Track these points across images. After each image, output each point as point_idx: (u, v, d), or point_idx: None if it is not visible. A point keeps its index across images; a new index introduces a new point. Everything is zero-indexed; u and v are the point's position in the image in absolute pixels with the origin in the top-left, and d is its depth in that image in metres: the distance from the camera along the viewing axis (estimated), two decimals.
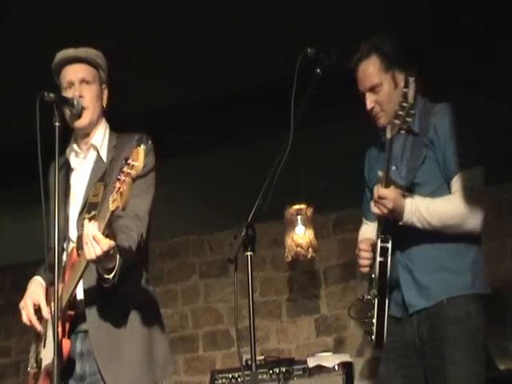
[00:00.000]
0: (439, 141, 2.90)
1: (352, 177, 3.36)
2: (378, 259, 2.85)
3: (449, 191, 2.90)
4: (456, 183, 2.86)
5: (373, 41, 3.03)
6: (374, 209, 2.84)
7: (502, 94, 4.39)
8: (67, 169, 2.95)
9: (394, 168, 2.93)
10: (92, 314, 2.71)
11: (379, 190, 2.80)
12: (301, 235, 5.32)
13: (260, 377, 4.81)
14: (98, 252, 2.44)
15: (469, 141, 2.90)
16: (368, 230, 3.12)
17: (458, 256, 2.88)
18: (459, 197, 2.83)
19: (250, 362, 2.55)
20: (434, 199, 2.85)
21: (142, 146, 2.38)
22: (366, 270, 2.97)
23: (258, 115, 4.72)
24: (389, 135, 2.80)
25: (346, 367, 4.86)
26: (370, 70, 2.99)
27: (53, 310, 2.55)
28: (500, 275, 5.68)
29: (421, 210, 2.81)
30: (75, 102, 2.81)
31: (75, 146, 2.95)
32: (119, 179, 2.38)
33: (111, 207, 2.41)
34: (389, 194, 2.79)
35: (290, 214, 5.33)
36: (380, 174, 2.85)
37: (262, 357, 5.11)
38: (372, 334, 2.89)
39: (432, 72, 4.33)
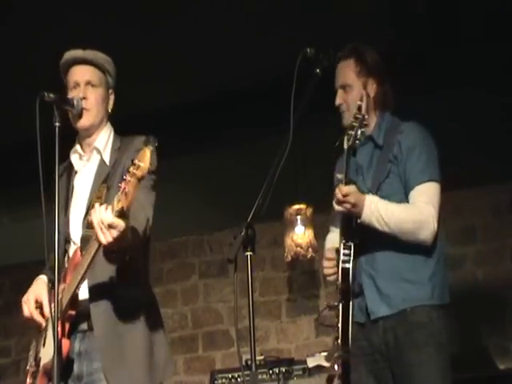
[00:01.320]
0: (402, 156, 2.98)
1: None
2: (341, 265, 2.88)
3: None
4: (413, 195, 2.94)
5: (356, 45, 3.13)
6: (338, 208, 2.87)
7: (502, 93, 4.39)
8: (70, 171, 2.96)
9: (359, 177, 3.03)
10: (97, 312, 2.71)
11: (341, 188, 2.85)
12: (300, 235, 5.32)
13: (260, 377, 4.81)
14: (115, 234, 2.43)
15: (429, 157, 2.98)
16: (334, 237, 3.18)
17: (418, 268, 2.94)
18: (415, 207, 2.91)
19: (249, 362, 2.55)
20: (393, 203, 2.92)
21: (149, 147, 2.38)
22: (331, 278, 3.01)
23: (257, 115, 4.73)
24: (345, 146, 2.88)
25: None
26: (346, 70, 3.08)
27: (53, 310, 2.55)
28: (499, 275, 5.70)
29: (379, 209, 2.86)
30: (75, 103, 2.81)
31: (79, 149, 2.96)
32: (125, 179, 2.38)
33: (116, 207, 2.41)
34: (350, 189, 2.84)
35: (289, 214, 5.34)
36: (338, 176, 2.93)
37: (262, 357, 5.12)
38: (336, 338, 2.94)
39: (432, 72, 4.35)
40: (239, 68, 4.41)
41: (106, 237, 2.44)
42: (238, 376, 5.03)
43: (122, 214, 2.43)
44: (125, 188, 2.38)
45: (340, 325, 2.90)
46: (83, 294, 2.73)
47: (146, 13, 4.00)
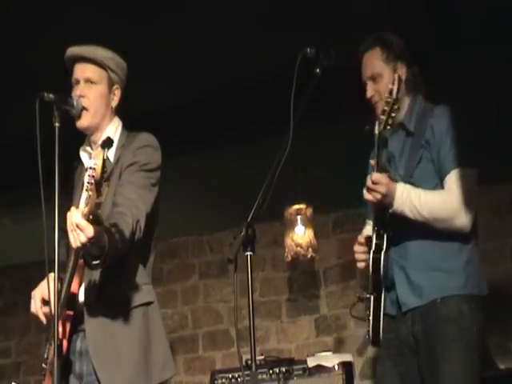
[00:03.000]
0: (435, 140, 2.92)
1: (352, 177, 3.36)
2: (372, 255, 2.85)
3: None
4: (449, 181, 2.88)
5: (379, 34, 3.10)
6: (368, 196, 2.83)
7: (502, 93, 4.39)
8: (82, 169, 2.95)
9: (392, 165, 2.97)
10: (90, 313, 2.71)
11: (373, 175, 2.81)
12: (300, 235, 5.32)
13: (260, 377, 4.81)
14: (83, 239, 2.39)
15: (464, 142, 2.92)
16: (370, 230, 3.10)
17: (452, 256, 2.88)
18: (451, 193, 2.85)
19: (249, 362, 2.55)
20: (426, 191, 2.86)
21: (102, 150, 2.42)
22: (362, 265, 2.96)
23: (257, 115, 4.73)
24: (376, 131, 2.84)
25: (346, 367, 4.86)
26: (373, 59, 3.05)
27: (54, 311, 2.54)
28: (500, 275, 5.69)
29: (412, 198, 2.82)
30: (75, 103, 2.82)
31: (88, 147, 2.97)
32: (88, 182, 2.39)
33: (84, 210, 2.40)
34: (381, 178, 2.80)
35: (289, 213, 5.34)
36: (372, 162, 2.89)
37: (262, 357, 5.11)
38: (368, 331, 2.90)
39: (432, 72, 4.34)
40: (239, 68, 4.41)
41: (75, 240, 2.41)
42: (239, 376, 5.03)
43: (93, 219, 2.41)
44: (88, 191, 2.38)
45: (371, 317, 2.86)
46: (82, 294, 2.73)
47: (145, 12, 4.00)
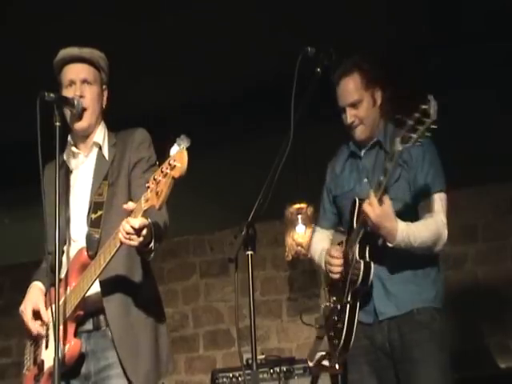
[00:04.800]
0: (412, 162, 3.00)
1: None
2: (363, 265, 2.92)
3: (415, 210, 3.01)
4: (428, 204, 2.99)
5: (354, 58, 3.13)
6: (375, 219, 2.85)
7: (502, 93, 4.39)
8: (66, 171, 2.93)
9: (365, 180, 3.08)
10: (111, 306, 2.72)
11: (382, 208, 2.84)
12: (301, 234, 5.32)
13: (261, 376, 4.81)
14: (145, 233, 2.48)
15: (438, 166, 3.03)
16: (320, 237, 3.30)
17: (423, 274, 3.02)
18: (432, 221, 2.96)
19: (250, 362, 2.54)
20: (414, 224, 2.95)
21: (183, 147, 2.42)
22: (336, 276, 3.05)
23: (258, 115, 4.73)
24: (399, 147, 2.79)
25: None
26: (351, 86, 3.08)
27: (54, 311, 2.54)
28: (500, 274, 5.69)
29: (409, 236, 2.90)
30: (75, 103, 2.80)
31: (73, 148, 2.94)
32: (155, 179, 2.38)
33: (144, 206, 2.44)
34: (388, 214, 2.86)
35: (290, 213, 5.34)
36: (367, 186, 2.99)
37: (263, 356, 5.12)
38: (336, 338, 3.00)
39: (432, 72, 4.35)
40: (239, 68, 4.41)
41: (133, 241, 2.49)
42: (239, 375, 5.03)
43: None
44: (155, 188, 2.38)
45: (346, 325, 2.96)
46: (92, 291, 2.72)
47: (145, 12, 4.00)
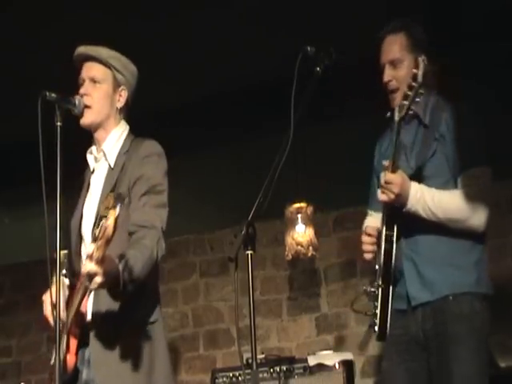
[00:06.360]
0: (450, 135, 2.87)
1: (352, 175, 3.36)
2: (383, 246, 2.78)
3: (455, 187, 2.86)
4: (464, 180, 2.84)
5: (405, 20, 3.02)
6: (382, 196, 2.77)
7: (502, 93, 4.39)
8: (88, 171, 2.95)
9: (403, 157, 2.90)
10: (96, 340, 2.68)
11: (386, 175, 2.75)
12: (301, 234, 5.32)
13: (261, 375, 4.81)
14: (99, 280, 2.40)
15: (479, 140, 2.89)
16: (373, 221, 3.05)
17: (463, 253, 2.84)
18: (466, 193, 2.81)
19: (250, 361, 2.54)
20: (440, 191, 2.81)
21: (114, 208, 2.33)
22: (368, 256, 2.90)
23: (258, 114, 4.73)
24: (397, 118, 2.76)
25: (347, 365, 4.86)
26: (396, 44, 2.96)
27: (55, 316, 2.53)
28: (501, 272, 5.69)
29: (426, 198, 2.77)
30: (76, 102, 2.79)
31: (94, 149, 2.94)
32: (99, 233, 2.34)
33: (95, 255, 2.36)
34: (395, 178, 2.74)
35: (290, 212, 5.34)
36: (385, 163, 2.81)
37: (263, 355, 5.11)
38: (375, 325, 2.81)
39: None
40: (239, 68, 4.41)
41: (92, 285, 2.43)
42: (239, 375, 5.03)
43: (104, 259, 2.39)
44: (100, 238, 2.33)
45: (379, 310, 2.78)
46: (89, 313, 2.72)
47: (145, 12, 4.00)
